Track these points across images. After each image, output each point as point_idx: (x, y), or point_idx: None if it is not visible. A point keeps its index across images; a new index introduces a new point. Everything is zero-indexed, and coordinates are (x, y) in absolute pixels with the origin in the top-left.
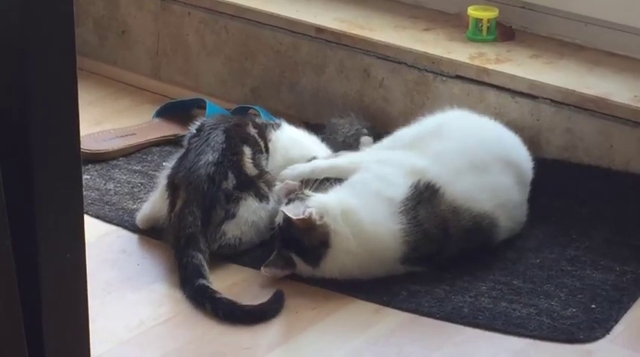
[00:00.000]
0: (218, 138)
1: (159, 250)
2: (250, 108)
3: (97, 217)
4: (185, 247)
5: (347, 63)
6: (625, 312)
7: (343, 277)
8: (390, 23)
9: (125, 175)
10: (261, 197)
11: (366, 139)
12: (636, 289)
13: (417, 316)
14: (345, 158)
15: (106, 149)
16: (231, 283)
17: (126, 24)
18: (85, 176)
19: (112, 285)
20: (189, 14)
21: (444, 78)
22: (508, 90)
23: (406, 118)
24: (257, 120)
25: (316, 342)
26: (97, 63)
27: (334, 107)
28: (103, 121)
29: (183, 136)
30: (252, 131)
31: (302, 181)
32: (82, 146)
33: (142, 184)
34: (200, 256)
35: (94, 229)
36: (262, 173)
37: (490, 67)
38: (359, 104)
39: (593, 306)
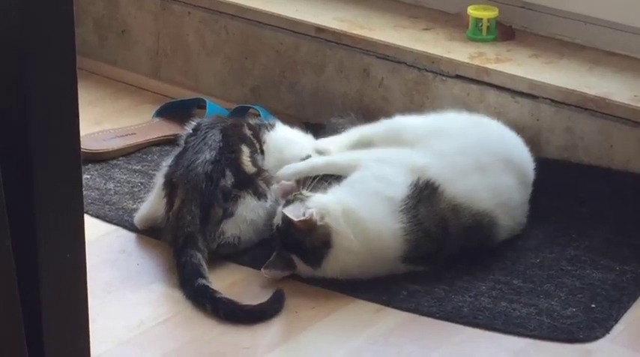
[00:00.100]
0: (215, 137)
1: (159, 250)
2: (250, 108)
3: (97, 216)
4: (183, 247)
5: (347, 63)
6: (625, 311)
7: (344, 277)
8: (389, 23)
9: (125, 174)
10: (260, 195)
11: None
12: (636, 289)
13: (416, 316)
14: (343, 156)
15: (106, 149)
16: (231, 282)
17: (126, 24)
18: (85, 176)
19: (112, 285)
20: (189, 14)
21: (444, 78)
22: (508, 90)
23: None
24: (251, 121)
25: (316, 341)
26: (97, 63)
27: (334, 107)
28: (103, 121)
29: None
30: (248, 133)
31: (298, 181)
32: (82, 146)
33: (142, 183)
34: (199, 256)
35: (94, 228)
36: (260, 171)
37: (490, 66)
38: (359, 104)
39: (593, 305)
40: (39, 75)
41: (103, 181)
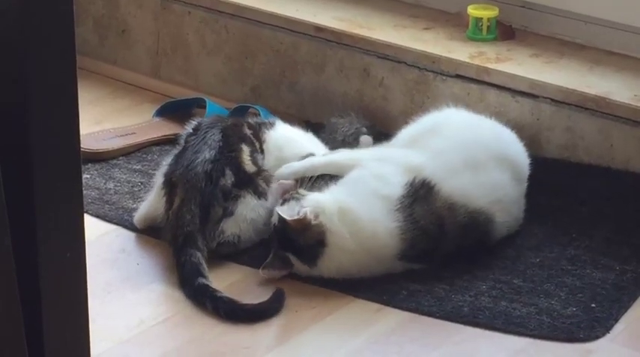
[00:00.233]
0: (215, 136)
1: (159, 250)
2: (250, 107)
3: (97, 216)
4: (183, 246)
5: (347, 62)
6: (625, 311)
7: (341, 276)
8: (389, 22)
9: (125, 174)
10: (260, 194)
11: (365, 138)
12: (636, 288)
13: (417, 315)
14: (341, 155)
15: (105, 148)
16: (231, 282)
17: (126, 23)
18: (85, 175)
19: (112, 284)
20: (189, 13)
21: (444, 77)
22: (508, 89)
23: (406, 117)
24: (251, 121)
25: (316, 341)
26: (97, 62)
27: (334, 106)
28: (103, 121)
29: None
30: (248, 132)
31: (297, 180)
32: (82, 145)
33: (141, 183)
34: (198, 255)
35: (93, 228)
36: (260, 170)
37: (490, 66)
38: (359, 103)
39: (594, 305)
40: (39, 75)
41: (103, 181)
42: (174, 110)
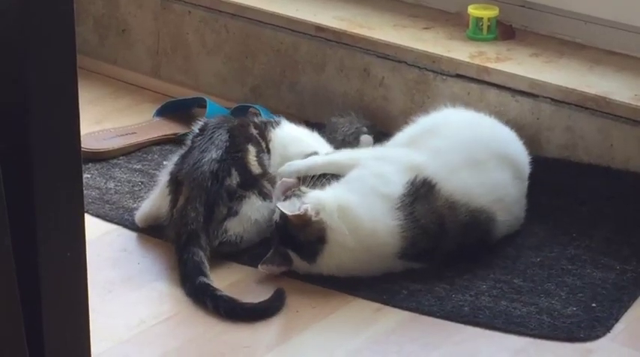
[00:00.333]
0: (222, 136)
1: (159, 249)
2: (250, 107)
3: (98, 215)
4: (186, 244)
5: (347, 62)
6: (625, 311)
7: (341, 274)
8: (389, 22)
9: (125, 173)
10: (265, 196)
11: (366, 137)
12: (636, 288)
13: (417, 315)
14: (343, 154)
15: (106, 148)
16: (232, 281)
17: (126, 23)
18: (85, 175)
19: (113, 284)
20: (189, 13)
21: (445, 77)
22: (508, 89)
23: (406, 117)
24: (257, 120)
25: (316, 341)
26: (97, 62)
27: (334, 106)
28: (104, 120)
29: (183, 134)
30: (254, 132)
31: (299, 178)
32: (82, 145)
33: (142, 182)
34: (201, 253)
35: (94, 227)
36: (266, 172)
37: (490, 65)
38: (359, 103)
39: (594, 305)
40: (39, 75)
41: (104, 181)
42: (175, 110)
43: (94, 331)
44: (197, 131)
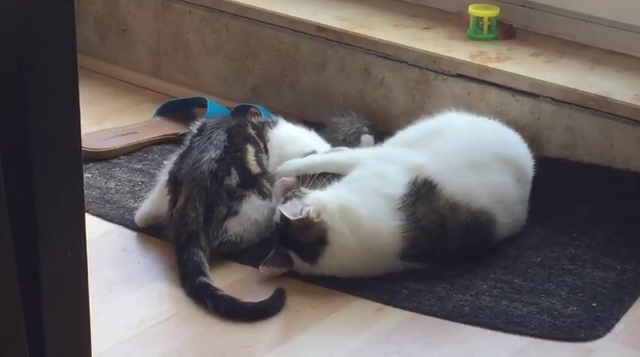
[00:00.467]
0: (220, 136)
1: (160, 249)
2: (251, 107)
3: (98, 215)
4: (186, 244)
5: (347, 62)
6: (626, 310)
7: (342, 274)
8: (390, 22)
9: (126, 173)
10: (264, 195)
11: (366, 137)
12: (637, 288)
13: (417, 315)
14: (343, 154)
15: (106, 148)
16: (232, 281)
17: (126, 22)
18: (86, 175)
19: (113, 283)
20: (189, 13)
21: (445, 76)
22: (509, 88)
23: (407, 116)
24: (254, 121)
25: (317, 341)
26: (98, 61)
27: (335, 106)
28: (104, 120)
29: (184, 134)
30: (252, 132)
31: (299, 178)
32: (82, 145)
33: (142, 182)
34: (200, 254)
35: (94, 227)
36: (265, 171)
37: (491, 65)
38: (359, 103)
39: (594, 304)
40: (39, 75)
41: (104, 180)
42: (175, 110)
43: (95, 330)
44: (195, 131)
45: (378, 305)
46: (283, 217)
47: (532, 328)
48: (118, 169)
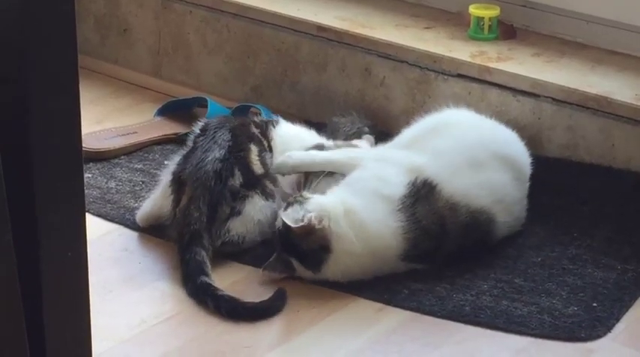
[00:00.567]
0: (224, 136)
1: (160, 249)
2: (252, 106)
3: (99, 215)
4: (189, 244)
5: (348, 61)
6: (626, 310)
7: (345, 279)
8: (391, 22)
9: (126, 173)
10: (268, 195)
11: (367, 137)
12: (637, 288)
13: (418, 315)
14: (343, 154)
15: (107, 148)
16: (233, 281)
17: (127, 22)
18: (86, 175)
19: (114, 283)
20: (190, 13)
21: (446, 76)
22: (510, 88)
23: (407, 116)
24: (257, 120)
25: (317, 341)
26: (98, 61)
27: (335, 106)
28: (104, 120)
29: (184, 134)
30: (256, 131)
31: (300, 182)
32: (83, 145)
33: (143, 182)
34: (203, 253)
35: (95, 227)
36: (268, 172)
37: (491, 65)
38: (360, 103)
39: (595, 304)
40: (39, 75)
41: (105, 180)
42: (176, 109)
43: (95, 330)
44: (198, 131)
45: (378, 305)
46: (285, 224)
47: (533, 328)
48: (118, 169)
